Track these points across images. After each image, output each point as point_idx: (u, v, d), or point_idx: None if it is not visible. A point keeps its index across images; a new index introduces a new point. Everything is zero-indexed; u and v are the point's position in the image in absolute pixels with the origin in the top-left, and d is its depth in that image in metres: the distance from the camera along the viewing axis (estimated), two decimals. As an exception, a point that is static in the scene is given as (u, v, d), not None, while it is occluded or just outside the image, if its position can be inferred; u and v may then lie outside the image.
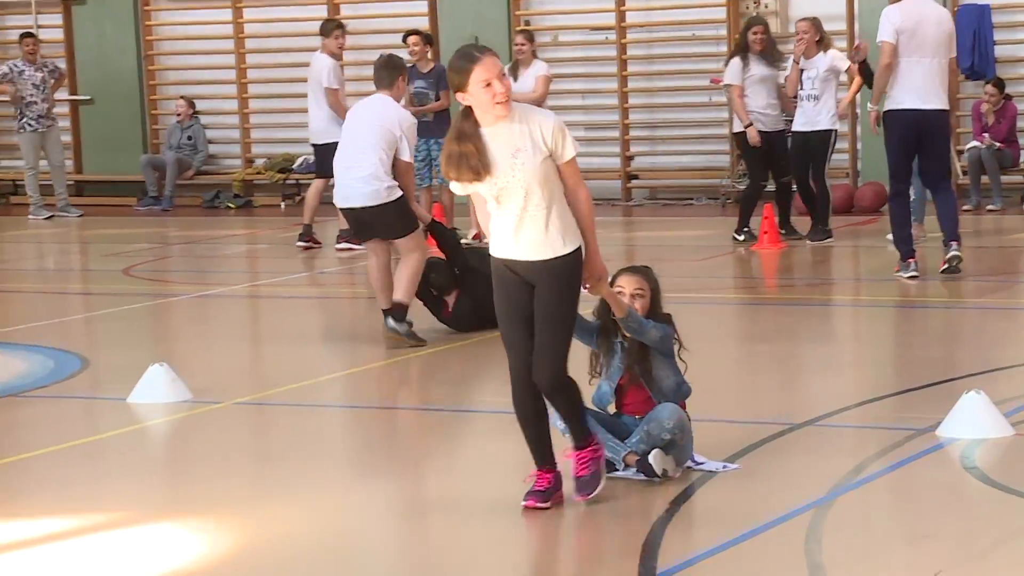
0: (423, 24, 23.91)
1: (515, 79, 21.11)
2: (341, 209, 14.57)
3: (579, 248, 8.32)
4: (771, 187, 20.68)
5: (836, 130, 20.51)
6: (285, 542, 8.64)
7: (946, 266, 17.12)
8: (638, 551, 8.23)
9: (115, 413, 12.16)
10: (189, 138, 26.38)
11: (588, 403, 9.10)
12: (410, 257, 13.68)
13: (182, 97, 26.41)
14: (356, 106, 14.44)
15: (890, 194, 17.59)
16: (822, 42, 19.72)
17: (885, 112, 17.14)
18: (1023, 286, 18.63)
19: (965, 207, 23.00)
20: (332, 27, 20.41)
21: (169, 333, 16.66)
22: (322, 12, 25.15)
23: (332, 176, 19.80)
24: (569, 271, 8.31)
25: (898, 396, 11.82)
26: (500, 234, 8.39)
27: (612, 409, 9.27)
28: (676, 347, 9.25)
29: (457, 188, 8.48)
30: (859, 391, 12.30)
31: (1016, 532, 8.38)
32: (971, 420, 10.11)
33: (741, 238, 20.59)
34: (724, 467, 9.25)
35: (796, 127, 20.05)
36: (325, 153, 19.99)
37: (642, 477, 8.87)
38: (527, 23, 24.70)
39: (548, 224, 8.23)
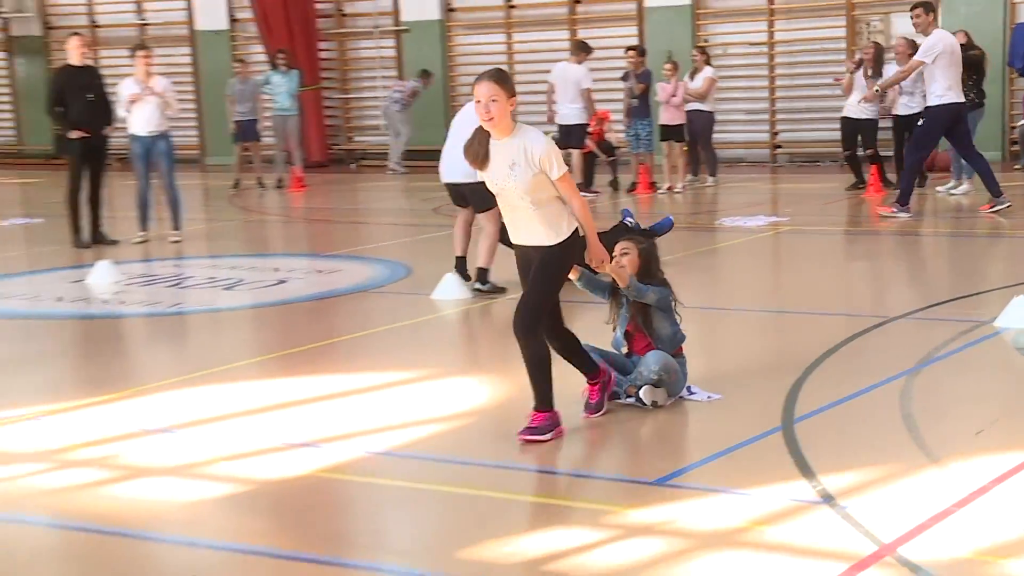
0: (636, 41, 23.60)
1: (692, 79, 20.92)
2: (443, 182, 13.37)
3: (567, 239, 7.45)
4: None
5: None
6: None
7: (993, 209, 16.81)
8: (781, 406, 8.19)
9: (426, 304, 12.24)
10: (478, 120, 26.18)
11: (608, 347, 8.39)
12: (487, 230, 12.71)
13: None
14: (468, 105, 13.83)
15: (919, 160, 17.31)
16: (914, 54, 19.29)
17: (937, 105, 16.61)
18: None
19: (1016, 166, 22.38)
20: (589, 48, 20.26)
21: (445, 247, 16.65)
22: (563, 35, 24.94)
23: (572, 148, 20.04)
24: (555, 257, 7.44)
25: (966, 298, 11.59)
26: (507, 224, 7.68)
27: (625, 350, 8.30)
28: (673, 303, 8.23)
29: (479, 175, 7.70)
30: (936, 295, 11.99)
31: (1051, 395, 8.30)
32: (1020, 315, 9.98)
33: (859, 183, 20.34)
34: (709, 397, 8.29)
35: (897, 112, 19.55)
36: (568, 131, 20.07)
37: (639, 404, 8.03)
38: (705, 41, 24.37)
39: (539, 221, 7.37)
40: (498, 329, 11.43)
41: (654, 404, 7.89)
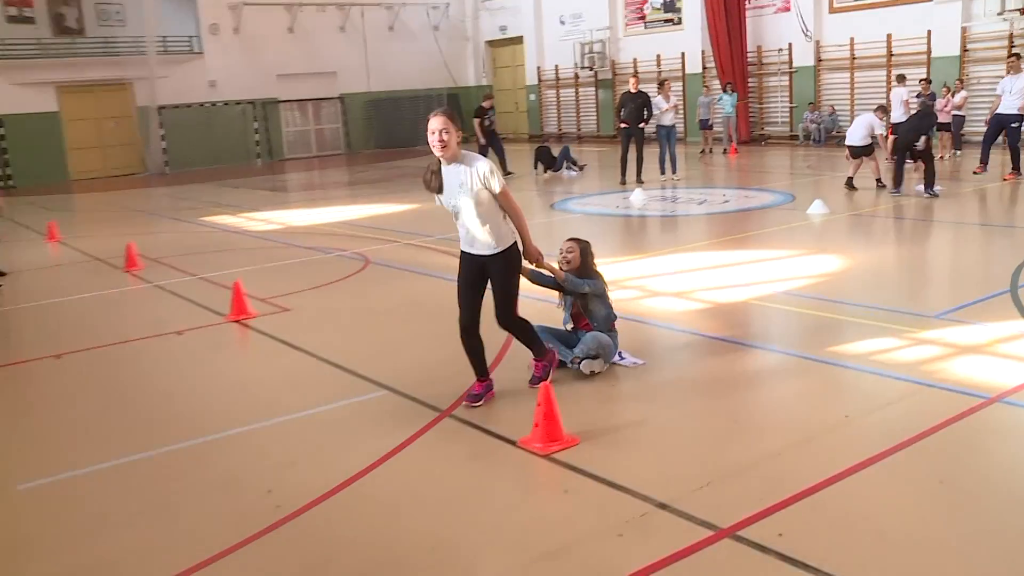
0: (925, 74, 21.16)
1: (953, 96, 18.41)
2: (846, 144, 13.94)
3: (512, 245, 5.12)
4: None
5: None
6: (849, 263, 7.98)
7: None
8: (1008, 279, 7.41)
9: (801, 216, 11.50)
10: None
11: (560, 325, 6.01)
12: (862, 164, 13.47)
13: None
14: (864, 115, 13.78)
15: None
16: None
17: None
18: None
19: None
20: (905, 78, 18.16)
21: (812, 186, 15.66)
22: (882, 73, 22.64)
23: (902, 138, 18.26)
24: (507, 261, 5.09)
25: None
26: (461, 236, 5.14)
27: (571, 327, 5.93)
28: (607, 290, 5.91)
29: (436, 200, 5.17)
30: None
31: None
32: None
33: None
34: (634, 362, 5.81)
35: None
36: (896, 127, 18.19)
37: (581, 371, 5.63)
38: (966, 75, 21.52)
39: (487, 232, 5.03)
40: (844, 231, 10.74)
41: (592, 372, 5.64)
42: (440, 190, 5.07)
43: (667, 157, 16.69)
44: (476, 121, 18.43)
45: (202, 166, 26.18)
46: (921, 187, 12.90)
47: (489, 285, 5.19)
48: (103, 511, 4.18)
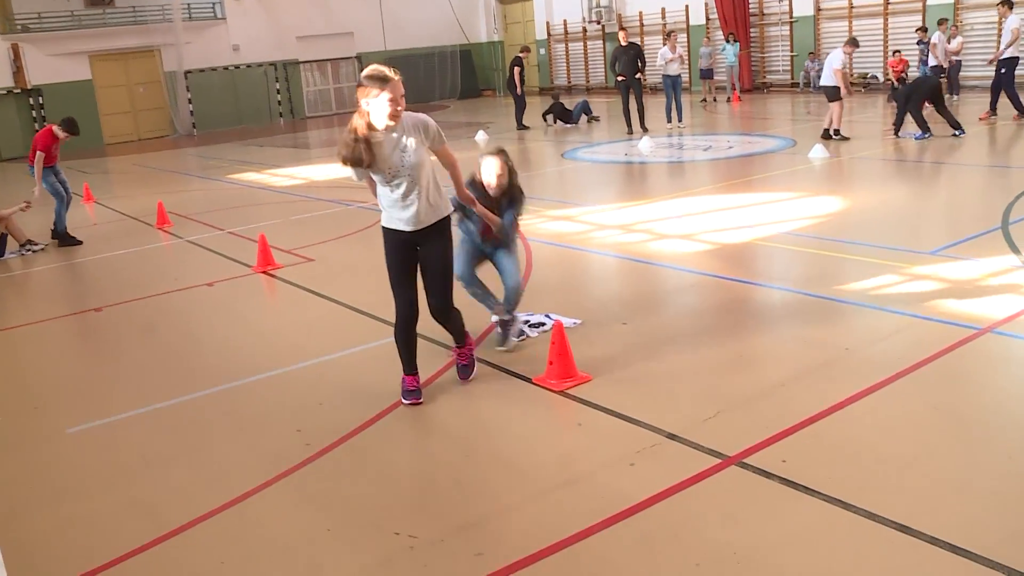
0: (920, 23, 20.51)
1: (949, 43, 17.75)
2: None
3: (448, 215, 4.39)
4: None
5: None
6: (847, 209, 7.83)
7: None
8: (1000, 215, 7.22)
9: (802, 160, 11.26)
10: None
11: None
12: (835, 110, 12.57)
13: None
14: (835, 51, 12.72)
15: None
16: None
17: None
18: None
19: None
20: (945, 20, 17.12)
21: (812, 131, 15.34)
22: (879, 21, 21.96)
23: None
24: (444, 232, 4.34)
25: None
26: (393, 209, 4.27)
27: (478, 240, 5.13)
28: (521, 208, 5.08)
29: (352, 173, 4.19)
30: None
31: None
32: None
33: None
34: (548, 326, 5.35)
35: None
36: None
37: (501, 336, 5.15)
38: (961, 21, 20.86)
39: (428, 199, 4.24)
40: (844, 174, 10.52)
41: (503, 342, 5.15)
42: (371, 161, 4.14)
43: (673, 106, 16.31)
44: (517, 70, 18.13)
45: (228, 127, 26.07)
46: (910, 134, 12.64)
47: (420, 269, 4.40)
48: (143, 452, 4.22)
